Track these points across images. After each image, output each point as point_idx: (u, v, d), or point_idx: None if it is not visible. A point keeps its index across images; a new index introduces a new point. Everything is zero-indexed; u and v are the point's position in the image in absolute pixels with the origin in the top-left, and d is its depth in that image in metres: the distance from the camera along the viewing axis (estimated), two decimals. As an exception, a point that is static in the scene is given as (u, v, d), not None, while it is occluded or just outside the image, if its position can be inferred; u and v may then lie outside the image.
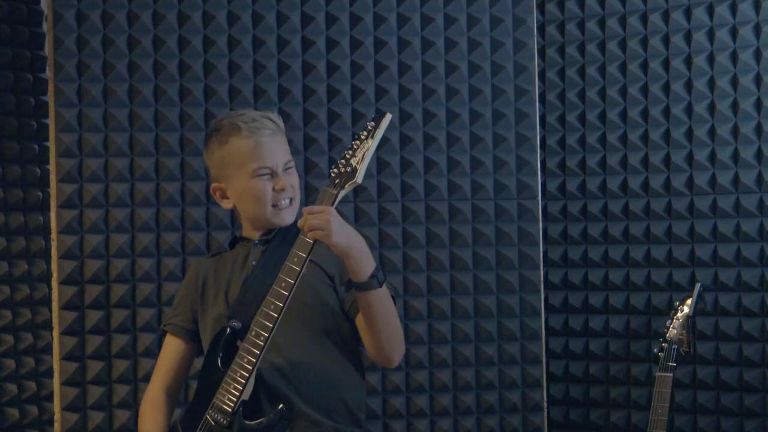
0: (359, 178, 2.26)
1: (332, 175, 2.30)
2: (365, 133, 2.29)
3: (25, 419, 3.31)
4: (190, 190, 3.39)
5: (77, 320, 3.33)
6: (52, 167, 3.34)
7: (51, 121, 3.34)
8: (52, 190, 3.33)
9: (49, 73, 3.35)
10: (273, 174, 2.43)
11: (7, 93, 3.32)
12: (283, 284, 2.24)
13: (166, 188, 3.39)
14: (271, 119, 2.47)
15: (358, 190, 3.38)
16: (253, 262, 2.44)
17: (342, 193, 2.27)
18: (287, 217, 2.46)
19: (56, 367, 3.33)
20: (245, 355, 2.25)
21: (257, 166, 2.42)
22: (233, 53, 3.42)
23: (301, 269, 2.23)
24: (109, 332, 3.35)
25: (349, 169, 2.26)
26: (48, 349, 3.37)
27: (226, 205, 2.52)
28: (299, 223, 2.27)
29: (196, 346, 2.54)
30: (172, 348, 2.55)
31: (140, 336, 3.36)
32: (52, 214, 3.33)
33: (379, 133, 2.29)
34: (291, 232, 2.39)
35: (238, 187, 2.46)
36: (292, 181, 2.47)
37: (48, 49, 3.36)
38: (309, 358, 2.40)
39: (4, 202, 3.30)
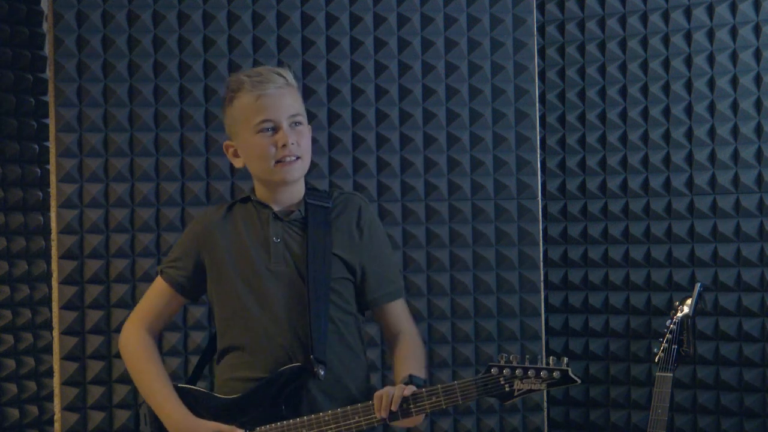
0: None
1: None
2: (539, 378, 2.22)
3: (25, 419, 3.31)
4: (190, 190, 3.39)
5: (77, 320, 3.33)
6: (52, 167, 3.34)
7: (51, 121, 3.34)
8: (52, 190, 3.33)
9: (49, 73, 3.35)
10: (276, 128, 2.36)
11: (7, 93, 3.31)
12: None
13: (166, 188, 3.38)
14: (279, 73, 2.39)
15: (358, 190, 3.37)
16: (275, 239, 2.38)
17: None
18: (289, 175, 2.38)
19: (56, 367, 3.33)
20: None
21: (259, 120, 2.35)
22: (233, 53, 3.42)
23: None
24: (109, 332, 3.35)
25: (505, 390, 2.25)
26: (48, 349, 3.36)
27: (238, 163, 2.46)
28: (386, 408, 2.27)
29: (186, 300, 2.53)
30: (163, 295, 2.51)
31: (140, 336, 3.36)
32: (52, 214, 3.33)
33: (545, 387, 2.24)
34: (320, 212, 2.30)
35: (244, 144, 2.41)
36: (299, 138, 2.38)
37: (48, 49, 3.36)
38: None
39: (4, 202, 3.30)
